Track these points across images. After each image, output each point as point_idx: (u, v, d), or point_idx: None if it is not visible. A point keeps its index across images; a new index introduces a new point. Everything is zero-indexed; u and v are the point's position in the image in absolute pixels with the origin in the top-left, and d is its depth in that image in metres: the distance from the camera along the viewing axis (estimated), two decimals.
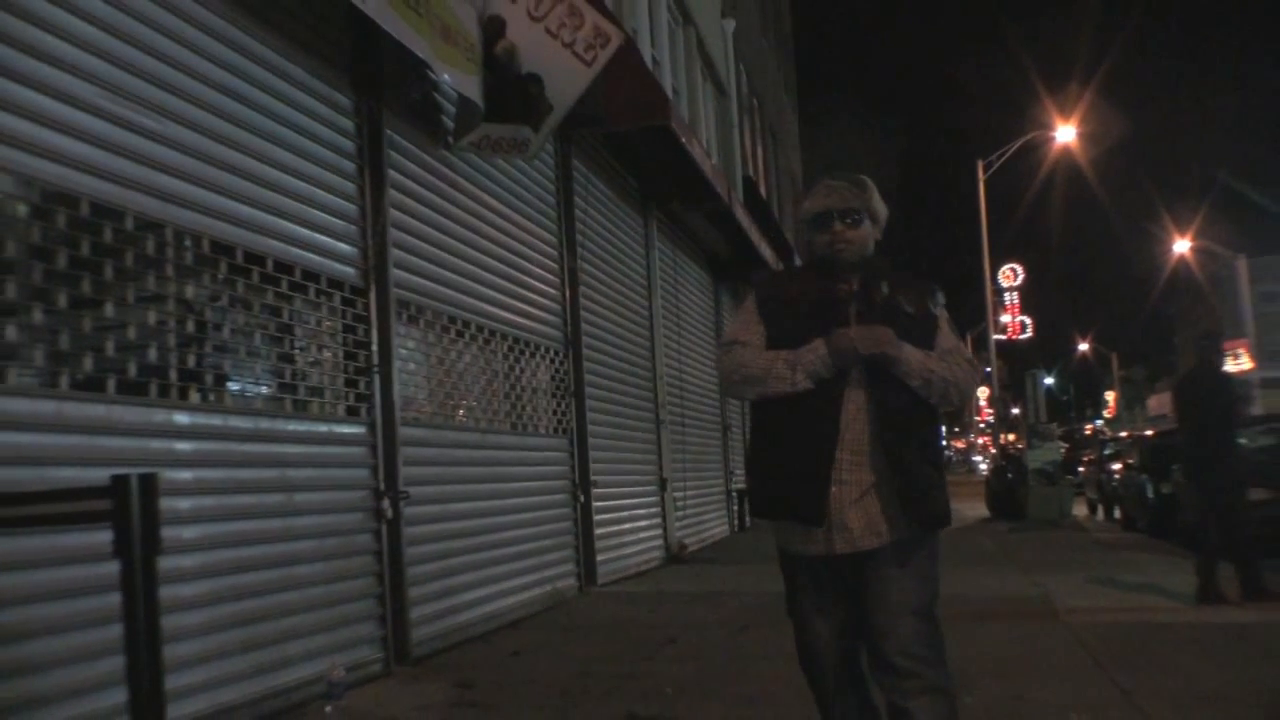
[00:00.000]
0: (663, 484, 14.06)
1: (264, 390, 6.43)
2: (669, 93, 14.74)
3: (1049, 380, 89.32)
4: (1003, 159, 29.72)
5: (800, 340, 3.68)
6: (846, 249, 3.75)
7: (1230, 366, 35.96)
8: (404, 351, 7.68)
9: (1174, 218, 53.68)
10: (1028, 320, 40.74)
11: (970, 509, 23.72)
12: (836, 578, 3.71)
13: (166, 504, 4.09)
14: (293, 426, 6.45)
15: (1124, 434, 31.37)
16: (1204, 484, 9.34)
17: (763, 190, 25.16)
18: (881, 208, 3.85)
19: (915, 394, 3.67)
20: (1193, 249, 51.81)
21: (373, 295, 7.20)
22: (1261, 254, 58.25)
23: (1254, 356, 49.17)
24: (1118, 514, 21.50)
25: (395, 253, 7.48)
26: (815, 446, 3.63)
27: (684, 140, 12.62)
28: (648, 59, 14.53)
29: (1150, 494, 17.49)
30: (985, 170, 29.55)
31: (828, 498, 3.61)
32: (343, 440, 6.93)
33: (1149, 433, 22.91)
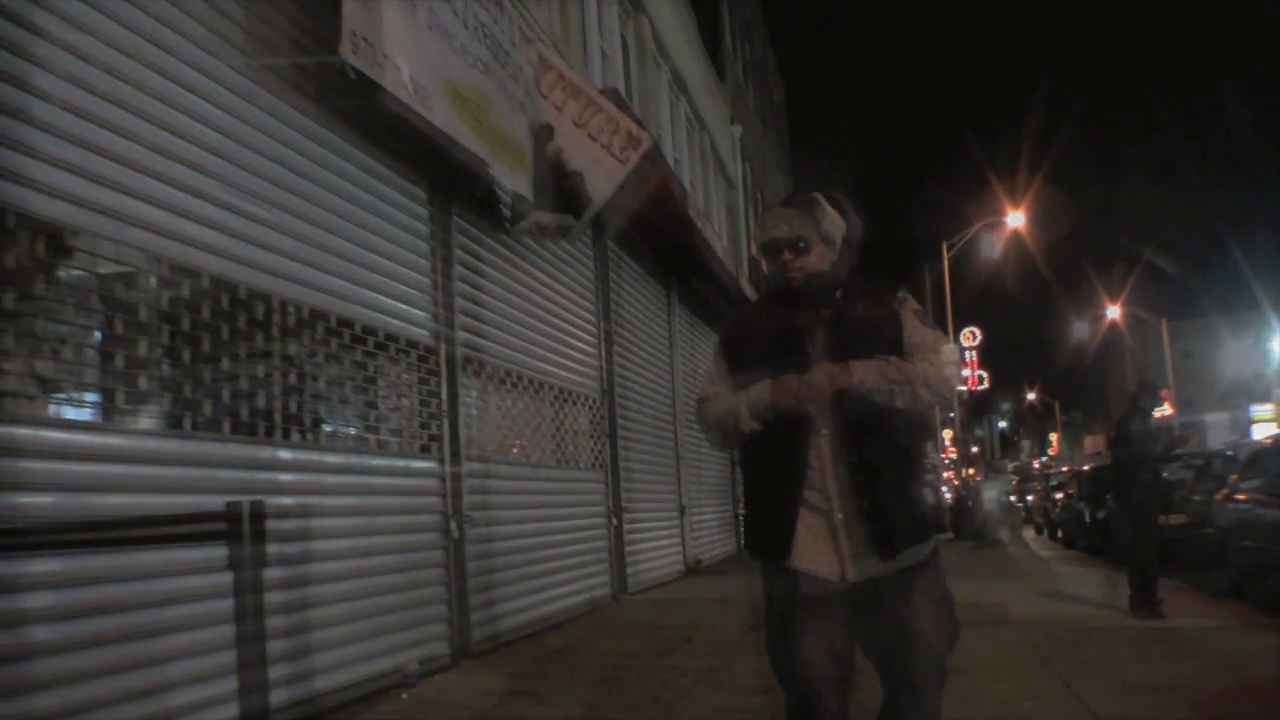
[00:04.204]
0: (682, 509, 13.97)
1: (352, 431, 6.43)
2: (687, 186, 14.82)
3: (1003, 424, 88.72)
4: (963, 241, 29.68)
5: (762, 378, 3.09)
6: (796, 275, 3.16)
7: (1157, 412, 35.62)
8: (468, 400, 7.67)
9: (1106, 287, 53.52)
10: (984, 374, 40.46)
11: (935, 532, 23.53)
12: (846, 603, 3.06)
13: (272, 525, 4.08)
14: (376, 461, 6.45)
15: (1065, 469, 31.07)
16: (1122, 509, 9.23)
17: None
18: (835, 227, 3.17)
19: (882, 407, 3.02)
20: (1122, 314, 51.58)
21: (442, 353, 7.21)
22: (1180, 319, 58.00)
23: (1174, 405, 48.74)
24: (1060, 535, 21.28)
25: (461, 318, 7.50)
26: (783, 480, 3.07)
27: (699, 225, 12.66)
28: (670, 159, 14.60)
29: (1087, 519, 17.33)
30: (949, 250, 29.51)
31: (794, 532, 3.04)
32: (417, 473, 6.93)
33: (1086, 468, 22.71)
